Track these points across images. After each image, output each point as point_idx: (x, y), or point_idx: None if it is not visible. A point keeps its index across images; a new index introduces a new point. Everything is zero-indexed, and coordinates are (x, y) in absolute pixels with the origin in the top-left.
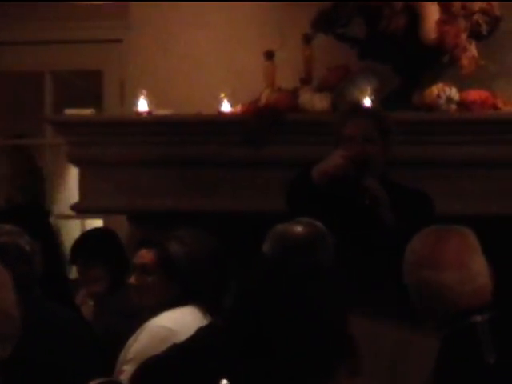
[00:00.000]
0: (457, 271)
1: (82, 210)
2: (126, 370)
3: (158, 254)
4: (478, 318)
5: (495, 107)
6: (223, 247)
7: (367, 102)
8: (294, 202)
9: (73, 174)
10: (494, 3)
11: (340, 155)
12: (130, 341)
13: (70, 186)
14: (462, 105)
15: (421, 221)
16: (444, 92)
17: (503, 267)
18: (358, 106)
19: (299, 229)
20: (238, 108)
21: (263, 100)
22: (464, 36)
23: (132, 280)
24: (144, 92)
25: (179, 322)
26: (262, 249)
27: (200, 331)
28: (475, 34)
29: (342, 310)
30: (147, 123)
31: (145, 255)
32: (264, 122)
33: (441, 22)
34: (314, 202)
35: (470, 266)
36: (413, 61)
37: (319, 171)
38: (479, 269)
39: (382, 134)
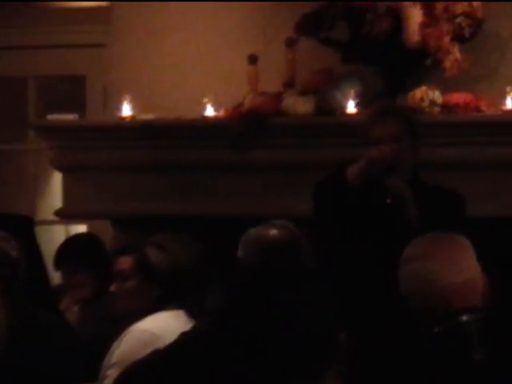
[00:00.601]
0: (444, 263)
1: (66, 215)
2: (110, 375)
3: (136, 259)
4: (467, 318)
5: (478, 110)
6: (205, 251)
7: (351, 105)
8: (323, 201)
9: (57, 179)
10: (476, 6)
11: (368, 158)
12: (114, 345)
13: (54, 191)
14: (446, 107)
15: (451, 221)
16: (427, 95)
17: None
18: (387, 106)
19: (275, 232)
20: (222, 112)
21: (247, 104)
22: (447, 39)
23: (113, 287)
24: (127, 97)
25: (162, 326)
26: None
27: (183, 336)
28: (458, 37)
29: (325, 314)
30: (130, 128)
31: (123, 262)
32: (247, 126)
33: (424, 25)
34: (343, 202)
35: (458, 261)
36: (396, 64)
37: (352, 172)
38: (469, 265)
39: (411, 134)
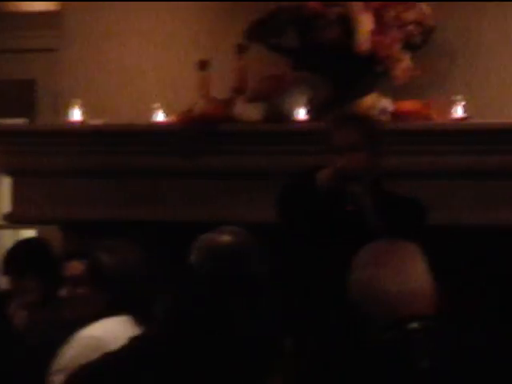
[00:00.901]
0: (392, 272)
1: (14, 220)
2: (57, 380)
3: (88, 265)
4: (414, 326)
5: (428, 118)
6: (154, 257)
7: (301, 112)
8: (289, 204)
9: (5, 183)
10: (427, 14)
11: (339, 166)
12: (62, 351)
13: (3, 195)
14: (396, 115)
15: (412, 229)
16: (378, 102)
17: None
18: (348, 114)
19: (226, 238)
20: (172, 118)
21: (197, 110)
22: (398, 46)
23: (64, 293)
24: (78, 101)
25: (109, 331)
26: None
27: (132, 341)
28: (409, 45)
29: (271, 320)
30: (81, 133)
31: (75, 267)
32: (197, 132)
33: (374, 33)
34: (309, 206)
35: (406, 269)
36: (347, 71)
37: (322, 178)
38: (417, 273)
39: (372, 142)
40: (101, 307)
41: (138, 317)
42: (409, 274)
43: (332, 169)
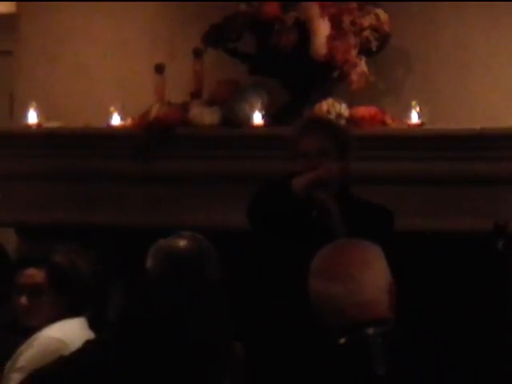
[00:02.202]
0: (345, 283)
1: None
2: (15, 378)
3: (49, 272)
4: (370, 331)
5: (384, 123)
6: (107, 261)
7: (257, 116)
8: (261, 210)
9: None
10: (383, 20)
11: (317, 174)
12: (21, 350)
13: None
14: (352, 121)
15: (378, 236)
16: (334, 108)
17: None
18: (315, 120)
19: (182, 243)
20: (129, 121)
21: (153, 114)
22: (354, 52)
23: (23, 301)
24: (33, 104)
25: (70, 333)
26: (145, 265)
27: (87, 344)
28: (365, 51)
29: (222, 324)
30: (36, 136)
31: (35, 275)
32: (153, 136)
33: (331, 38)
34: (283, 212)
35: (360, 279)
36: (303, 76)
37: (297, 185)
38: (372, 282)
39: (339, 148)
40: (58, 313)
41: (94, 320)
42: (364, 284)
43: (307, 177)
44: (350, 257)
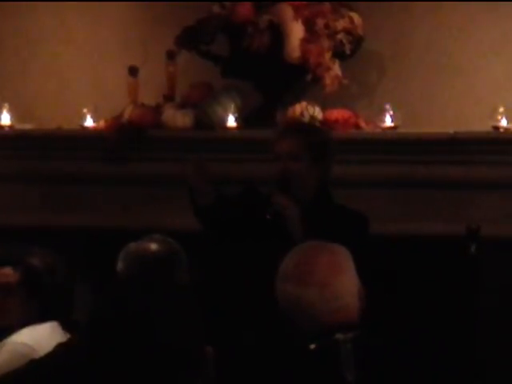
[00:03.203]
0: (319, 289)
1: None
2: None
3: (21, 273)
4: (341, 337)
5: (357, 127)
6: (77, 263)
7: (230, 119)
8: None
9: None
10: (357, 23)
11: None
12: None
13: None
14: (325, 124)
15: (352, 240)
16: (307, 110)
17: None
18: (290, 124)
19: (152, 246)
20: (101, 123)
21: (126, 116)
22: (327, 55)
23: None
24: (6, 106)
25: (39, 338)
26: (115, 267)
27: (58, 347)
28: (339, 54)
29: (192, 328)
30: (8, 137)
31: (8, 274)
32: (125, 138)
33: (304, 41)
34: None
35: (334, 285)
36: (276, 79)
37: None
38: (345, 288)
39: (312, 152)
40: (30, 315)
41: (65, 323)
42: (336, 291)
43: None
44: (322, 261)
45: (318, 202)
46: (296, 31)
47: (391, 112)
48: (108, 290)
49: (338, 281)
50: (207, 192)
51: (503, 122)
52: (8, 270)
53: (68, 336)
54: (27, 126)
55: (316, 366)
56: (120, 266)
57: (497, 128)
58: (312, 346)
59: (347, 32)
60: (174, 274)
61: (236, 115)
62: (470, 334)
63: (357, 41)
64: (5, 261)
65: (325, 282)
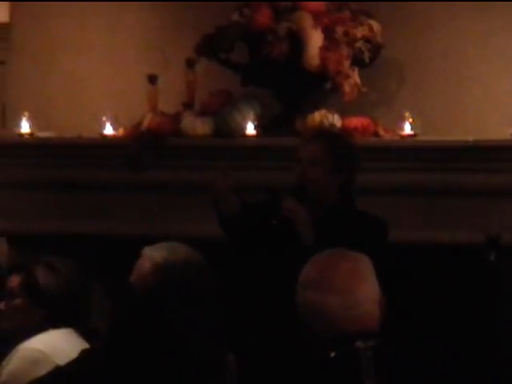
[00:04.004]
0: (341, 296)
1: None
2: None
3: (23, 278)
4: (362, 345)
5: (376, 134)
6: (93, 270)
7: (249, 127)
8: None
9: None
10: (376, 31)
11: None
12: (3, 363)
13: None
14: (344, 131)
15: (371, 245)
16: (326, 118)
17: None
18: (316, 131)
19: (170, 254)
20: (121, 131)
21: (145, 124)
22: (347, 63)
23: (1, 305)
24: (26, 114)
25: (51, 344)
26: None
27: (83, 354)
28: (358, 61)
29: (214, 337)
30: (29, 145)
31: (12, 280)
32: (144, 145)
33: (324, 49)
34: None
35: (355, 293)
36: (295, 87)
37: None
38: (366, 296)
39: (333, 159)
40: (36, 320)
41: (79, 330)
42: (357, 297)
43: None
44: (343, 269)
45: (339, 207)
46: (315, 39)
47: (410, 120)
48: (132, 297)
49: (359, 288)
50: (233, 202)
51: None
52: (14, 276)
53: (84, 343)
54: (47, 134)
55: (336, 374)
56: (139, 273)
57: None
58: (332, 354)
59: (366, 40)
60: (190, 282)
61: (255, 123)
62: (490, 341)
63: (376, 48)
64: (21, 268)
65: (346, 290)
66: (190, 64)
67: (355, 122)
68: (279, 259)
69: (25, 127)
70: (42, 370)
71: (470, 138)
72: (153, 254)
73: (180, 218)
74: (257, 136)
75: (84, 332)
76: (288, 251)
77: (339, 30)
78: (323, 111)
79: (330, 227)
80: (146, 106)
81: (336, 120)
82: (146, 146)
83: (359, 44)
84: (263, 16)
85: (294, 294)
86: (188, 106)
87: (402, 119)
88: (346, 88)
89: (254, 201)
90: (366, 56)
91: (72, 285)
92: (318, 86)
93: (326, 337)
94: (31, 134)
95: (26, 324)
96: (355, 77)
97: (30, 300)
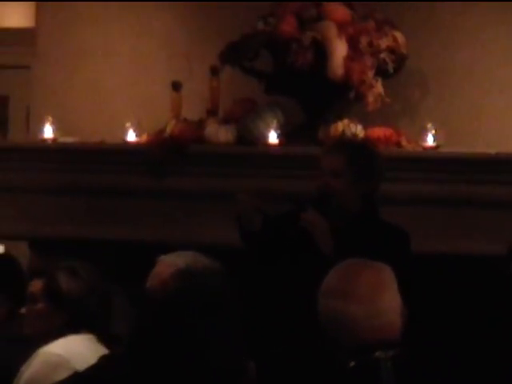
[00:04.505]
0: (364, 305)
1: None
2: None
3: (45, 283)
4: (382, 355)
5: (399, 145)
6: (114, 276)
7: (273, 135)
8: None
9: None
10: (401, 42)
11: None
12: (23, 368)
13: None
14: (367, 141)
15: (393, 255)
16: (349, 128)
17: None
18: (338, 141)
19: (188, 261)
20: (144, 138)
21: (168, 130)
22: (370, 73)
23: (23, 310)
24: (50, 119)
25: (71, 348)
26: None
27: (102, 359)
28: (382, 72)
29: (234, 344)
30: (52, 150)
31: (34, 284)
32: (167, 152)
33: (348, 59)
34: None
35: (378, 302)
36: (319, 96)
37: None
38: (388, 306)
39: (353, 168)
40: (58, 324)
41: (100, 335)
42: (380, 307)
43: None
44: (366, 279)
45: (362, 217)
46: (340, 49)
47: (433, 131)
48: (153, 303)
49: (382, 298)
50: (255, 219)
51: None
52: (36, 281)
53: (104, 349)
54: (70, 140)
55: (355, 383)
56: (166, 277)
57: None
58: (352, 363)
59: (390, 50)
60: (207, 290)
61: (278, 131)
62: (510, 352)
63: (400, 59)
64: (39, 272)
65: (368, 299)
66: (214, 72)
67: (378, 132)
68: (300, 268)
69: (48, 132)
70: (61, 375)
71: (493, 150)
72: (175, 260)
73: (201, 224)
74: (280, 145)
75: (104, 337)
76: (308, 260)
77: (364, 40)
78: (346, 121)
79: (353, 236)
80: (169, 113)
81: (359, 130)
82: (169, 152)
83: (383, 55)
84: (288, 25)
85: (315, 303)
86: (212, 113)
87: (425, 130)
88: (370, 98)
89: (278, 210)
90: (390, 67)
91: (94, 290)
92: (341, 96)
93: (346, 346)
94: (54, 139)
95: (48, 329)
96: (379, 87)
97: (52, 305)
